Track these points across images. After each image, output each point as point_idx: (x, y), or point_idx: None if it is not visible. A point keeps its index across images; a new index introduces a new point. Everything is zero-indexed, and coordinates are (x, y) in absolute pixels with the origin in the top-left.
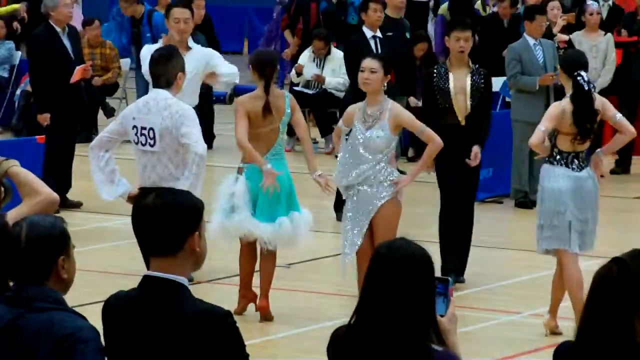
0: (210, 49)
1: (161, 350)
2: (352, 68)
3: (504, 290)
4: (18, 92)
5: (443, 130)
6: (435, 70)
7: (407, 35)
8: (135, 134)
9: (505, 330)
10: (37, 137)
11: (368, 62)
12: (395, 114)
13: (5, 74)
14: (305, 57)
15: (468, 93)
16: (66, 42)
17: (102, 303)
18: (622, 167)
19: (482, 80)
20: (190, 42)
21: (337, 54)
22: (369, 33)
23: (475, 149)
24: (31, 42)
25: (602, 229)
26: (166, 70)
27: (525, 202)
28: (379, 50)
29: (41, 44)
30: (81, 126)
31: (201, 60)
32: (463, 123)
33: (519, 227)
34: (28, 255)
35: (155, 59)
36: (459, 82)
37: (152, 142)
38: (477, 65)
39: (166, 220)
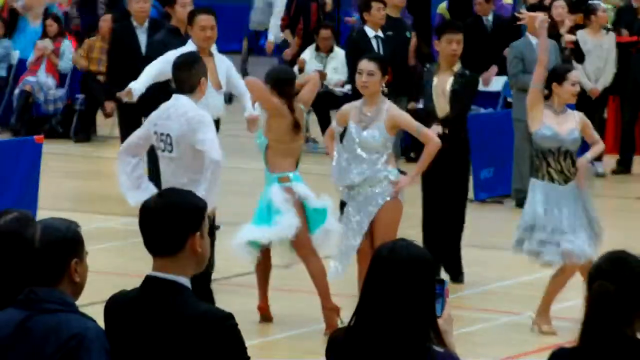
0: (227, 59)
1: (161, 350)
2: (354, 68)
3: (504, 291)
4: (17, 91)
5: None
6: (426, 69)
7: (408, 34)
8: (156, 140)
9: (505, 330)
10: (35, 137)
11: (365, 65)
12: (392, 115)
13: (3, 73)
14: (307, 56)
15: (447, 96)
16: (142, 37)
17: (102, 303)
18: (623, 167)
19: (462, 81)
20: (212, 48)
21: (339, 53)
22: (370, 32)
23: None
24: (111, 36)
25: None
26: (189, 76)
27: None
28: (381, 50)
29: (115, 37)
30: (80, 126)
31: (227, 66)
32: None
33: None
34: (41, 257)
35: (177, 65)
36: (440, 85)
37: (170, 147)
38: (463, 69)
39: (167, 220)
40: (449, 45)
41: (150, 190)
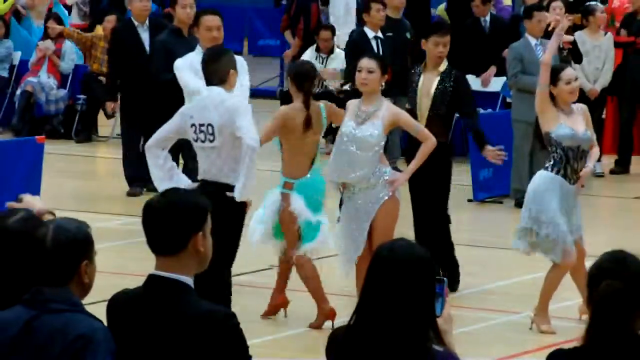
0: (240, 58)
1: (164, 349)
2: (353, 68)
3: (504, 290)
4: (18, 92)
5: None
6: (413, 71)
7: (408, 35)
8: (194, 132)
9: (505, 330)
10: (36, 137)
11: (365, 62)
12: (392, 113)
13: (5, 74)
14: (308, 56)
15: (431, 97)
16: (144, 36)
17: (102, 303)
18: (621, 167)
19: (452, 84)
20: None
21: (339, 54)
22: (370, 33)
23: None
24: (111, 36)
25: (602, 229)
26: (217, 69)
27: None
28: (380, 51)
29: (119, 38)
30: (82, 126)
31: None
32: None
33: None
34: (52, 258)
35: (206, 59)
36: (426, 86)
37: (211, 137)
38: (449, 68)
39: (169, 219)
40: (436, 48)
41: (183, 180)
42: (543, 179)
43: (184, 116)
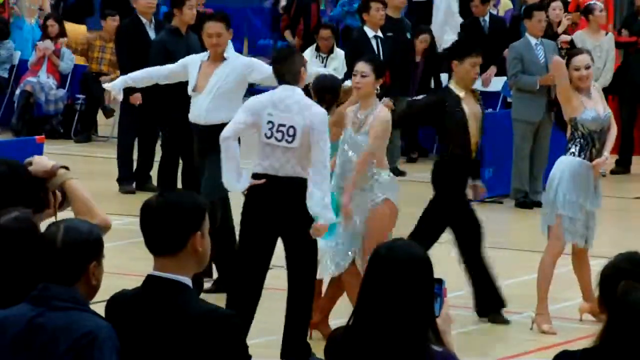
0: (249, 59)
1: (163, 350)
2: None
3: (504, 290)
4: (18, 92)
5: (455, 161)
6: (446, 96)
7: (408, 35)
8: (270, 129)
9: (505, 330)
10: (36, 137)
11: (360, 66)
12: (376, 120)
13: (5, 74)
14: (308, 56)
15: (480, 120)
16: (151, 34)
17: (102, 303)
18: (622, 167)
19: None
20: (228, 52)
21: (340, 54)
22: (370, 33)
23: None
24: (117, 33)
25: (602, 229)
26: (290, 68)
27: (526, 202)
28: (380, 50)
29: (126, 35)
30: (81, 126)
31: (236, 71)
32: (473, 155)
33: (519, 227)
34: (62, 257)
35: (276, 59)
36: (471, 110)
37: (290, 139)
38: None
39: (168, 219)
40: (473, 69)
41: (246, 177)
42: (569, 164)
43: (259, 110)
